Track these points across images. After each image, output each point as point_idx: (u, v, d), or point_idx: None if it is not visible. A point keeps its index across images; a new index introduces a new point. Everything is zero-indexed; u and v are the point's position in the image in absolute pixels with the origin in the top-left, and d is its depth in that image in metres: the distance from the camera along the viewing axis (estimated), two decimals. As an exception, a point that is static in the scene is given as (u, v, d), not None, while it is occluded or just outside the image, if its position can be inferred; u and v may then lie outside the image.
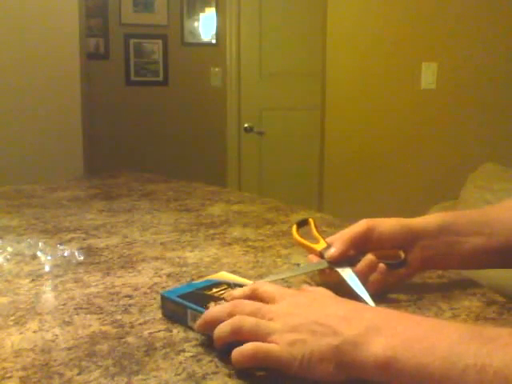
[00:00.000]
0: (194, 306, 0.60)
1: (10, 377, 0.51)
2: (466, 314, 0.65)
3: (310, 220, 0.80)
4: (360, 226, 0.71)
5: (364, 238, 0.70)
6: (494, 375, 0.41)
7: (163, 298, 0.65)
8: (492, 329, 0.45)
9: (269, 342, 0.50)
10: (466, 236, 0.70)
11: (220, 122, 3.82)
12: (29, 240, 0.90)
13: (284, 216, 1.15)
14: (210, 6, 4.09)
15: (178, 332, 0.60)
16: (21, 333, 0.60)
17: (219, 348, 0.54)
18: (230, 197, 1.36)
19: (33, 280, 0.76)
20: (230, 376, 0.51)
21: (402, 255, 0.70)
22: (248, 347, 0.50)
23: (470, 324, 0.53)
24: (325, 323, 0.49)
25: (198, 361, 0.54)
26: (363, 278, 0.67)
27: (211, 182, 1.66)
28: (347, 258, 0.70)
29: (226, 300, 0.59)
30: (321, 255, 0.72)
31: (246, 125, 3.71)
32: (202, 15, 4.09)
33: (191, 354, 0.55)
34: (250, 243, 0.95)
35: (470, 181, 2.37)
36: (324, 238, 0.74)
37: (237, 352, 0.51)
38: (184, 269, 0.81)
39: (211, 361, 0.54)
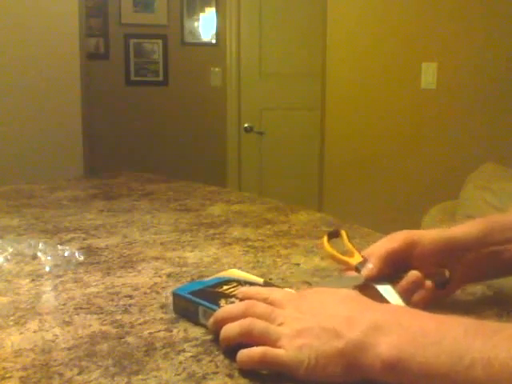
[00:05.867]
0: (206, 303, 0.60)
1: (10, 377, 0.51)
2: (466, 314, 0.65)
3: (343, 232, 0.74)
4: (399, 241, 0.66)
5: (404, 254, 0.66)
6: (500, 368, 0.41)
7: (175, 295, 0.65)
8: (496, 323, 0.45)
9: (277, 347, 0.50)
10: (505, 244, 0.68)
11: (220, 121, 3.82)
12: (29, 240, 0.90)
13: (284, 216, 1.15)
14: (210, 6, 4.09)
15: (178, 332, 0.60)
16: (21, 333, 0.60)
17: (224, 348, 0.54)
18: (230, 197, 1.36)
19: (33, 280, 0.76)
20: (230, 376, 0.51)
21: (447, 273, 0.67)
22: (256, 351, 0.51)
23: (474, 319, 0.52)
24: (328, 326, 0.49)
25: (198, 361, 0.54)
26: (407, 295, 0.63)
27: (211, 182, 1.66)
28: (385, 275, 0.65)
29: (237, 297, 0.59)
30: (357, 270, 0.66)
31: (245, 125, 3.71)
32: (201, 15, 4.09)
33: (191, 354, 0.55)
34: (250, 243, 0.95)
35: (470, 181, 2.37)
36: (359, 251, 0.68)
37: (244, 354, 0.51)
38: (184, 269, 0.81)
39: (211, 361, 0.54)
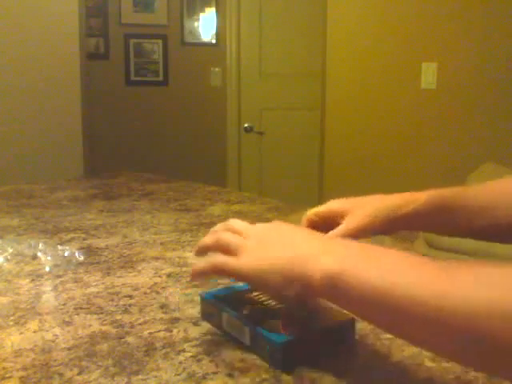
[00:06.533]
0: (230, 310, 0.59)
1: (10, 377, 0.51)
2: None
3: None
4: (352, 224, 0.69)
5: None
6: (421, 290, 0.42)
7: (202, 298, 0.64)
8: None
9: (238, 255, 0.55)
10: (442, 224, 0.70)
11: (220, 121, 3.82)
12: (29, 240, 0.90)
13: (284, 216, 1.15)
14: (210, 6, 4.09)
15: (178, 332, 0.60)
16: (21, 333, 0.60)
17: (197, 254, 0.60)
18: (230, 197, 1.36)
19: (33, 280, 0.76)
20: (229, 376, 0.51)
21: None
22: (210, 258, 0.57)
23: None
24: (288, 241, 0.55)
25: (198, 361, 0.54)
26: None
27: (211, 182, 1.66)
28: None
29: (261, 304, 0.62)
30: None
31: (245, 125, 3.71)
32: (201, 15, 4.09)
33: (191, 354, 0.55)
34: (250, 243, 0.94)
35: (470, 181, 2.37)
36: None
37: (202, 262, 0.57)
38: (184, 269, 0.81)
39: (211, 361, 0.54)
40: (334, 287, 0.47)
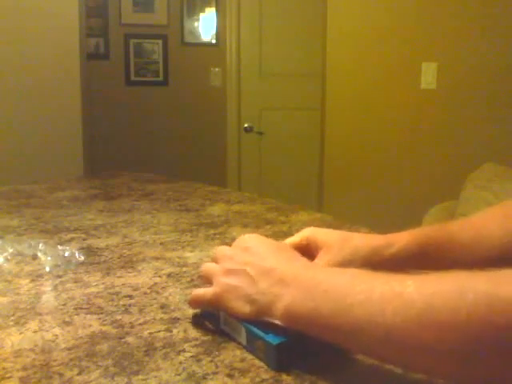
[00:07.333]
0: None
1: (10, 377, 0.51)
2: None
3: None
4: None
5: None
6: (376, 300, 0.46)
7: None
8: (387, 273, 0.49)
9: (213, 283, 0.59)
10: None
11: (220, 121, 3.82)
12: (29, 240, 0.90)
13: (284, 216, 1.15)
14: (210, 6, 4.08)
15: (178, 332, 0.60)
16: (21, 333, 0.60)
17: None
18: (230, 197, 1.36)
19: (33, 280, 0.76)
20: (230, 376, 0.51)
21: None
22: (193, 293, 0.62)
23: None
24: (250, 273, 0.56)
25: (198, 361, 0.54)
26: None
27: (211, 182, 1.66)
28: None
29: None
30: None
31: (245, 125, 3.71)
32: (201, 15, 4.09)
33: (191, 354, 0.56)
34: (250, 243, 0.94)
35: (470, 181, 2.37)
36: None
37: (189, 297, 0.62)
38: (184, 269, 0.81)
39: (211, 361, 0.54)
40: (293, 319, 0.52)
